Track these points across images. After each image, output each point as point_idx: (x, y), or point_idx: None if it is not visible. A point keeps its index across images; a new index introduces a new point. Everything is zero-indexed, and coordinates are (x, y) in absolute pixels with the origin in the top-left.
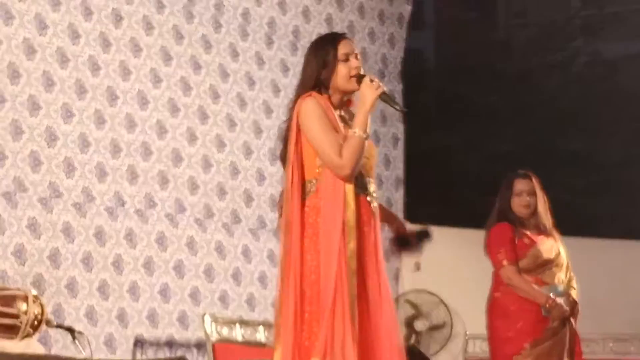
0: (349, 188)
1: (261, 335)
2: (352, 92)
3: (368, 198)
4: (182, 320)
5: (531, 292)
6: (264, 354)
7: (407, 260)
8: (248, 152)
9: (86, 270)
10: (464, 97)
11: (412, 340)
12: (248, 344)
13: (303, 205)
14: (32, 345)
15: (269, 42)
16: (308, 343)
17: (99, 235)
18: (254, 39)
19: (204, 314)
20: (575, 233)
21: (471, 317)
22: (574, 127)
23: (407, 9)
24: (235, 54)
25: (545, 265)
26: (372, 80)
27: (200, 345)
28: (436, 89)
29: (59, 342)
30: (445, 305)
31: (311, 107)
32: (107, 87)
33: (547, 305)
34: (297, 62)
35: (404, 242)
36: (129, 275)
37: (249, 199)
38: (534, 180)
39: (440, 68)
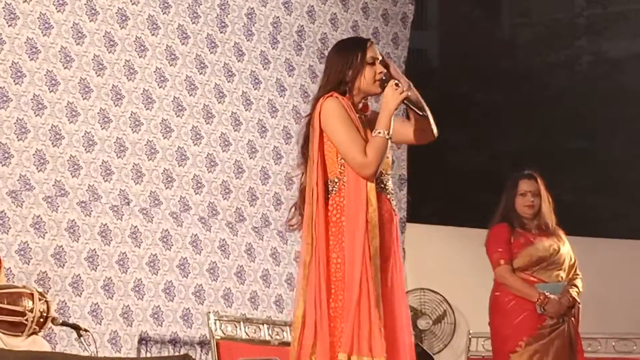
0: (371, 187)
1: (265, 332)
2: (374, 95)
3: (388, 196)
4: (187, 318)
5: (523, 290)
6: (267, 351)
7: (408, 260)
8: (253, 151)
9: (91, 269)
10: (467, 97)
11: (415, 339)
12: (252, 341)
13: (326, 204)
14: (38, 343)
15: (274, 42)
16: (334, 339)
17: (104, 233)
18: (259, 39)
19: (208, 312)
20: (578, 232)
21: (474, 316)
22: (578, 125)
23: (411, 9)
24: (240, 54)
25: (540, 263)
26: (397, 85)
27: (204, 343)
28: (440, 89)
29: (64, 340)
30: (449, 304)
31: (334, 106)
32: (112, 87)
33: (539, 302)
34: (301, 62)
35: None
36: (134, 273)
37: (253, 197)
38: (539, 180)
39: (444, 67)
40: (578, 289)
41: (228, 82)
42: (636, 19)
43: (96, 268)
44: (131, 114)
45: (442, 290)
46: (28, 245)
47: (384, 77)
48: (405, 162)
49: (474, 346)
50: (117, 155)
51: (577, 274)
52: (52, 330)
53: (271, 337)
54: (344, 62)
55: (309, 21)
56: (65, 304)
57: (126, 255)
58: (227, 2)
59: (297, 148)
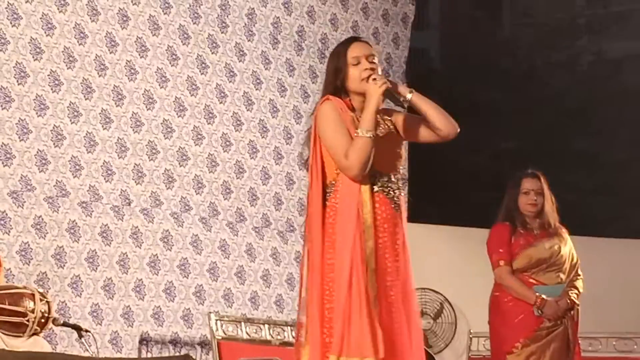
0: (365, 188)
1: (266, 332)
2: None
3: (389, 195)
4: (187, 318)
5: (521, 291)
6: (268, 351)
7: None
8: (254, 151)
9: (91, 269)
10: (468, 96)
11: None
12: (253, 341)
13: (325, 206)
14: (39, 343)
15: (275, 42)
16: (329, 340)
17: (105, 234)
18: (259, 39)
19: (210, 312)
20: (579, 232)
21: (475, 315)
22: (579, 126)
23: (412, 9)
24: (241, 54)
25: (539, 265)
26: (375, 79)
27: (204, 343)
28: (441, 88)
29: (65, 340)
30: (450, 304)
31: (325, 111)
32: (114, 87)
33: (536, 305)
34: (302, 62)
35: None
36: (135, 273)
37: (253, 197)
38: (542, 179)
39: (445, 67)
40: (578, 290)
41: (229, 82)
42: (637, 19)
43: (97, 268)
44: (132, 114)
45: (443, 289)
46: (29, 245)
47: (368, 75)
48: (406, 162)
49: (475, 346)
50: (118, 155)
51: (578, 275)
52: (53, 330)
53: (272, 337)
54: (332, 66)
55: (309, 21)
56: (66, 304)
57: (127, 255)
58: (228, 2)
59: (298, 148)
